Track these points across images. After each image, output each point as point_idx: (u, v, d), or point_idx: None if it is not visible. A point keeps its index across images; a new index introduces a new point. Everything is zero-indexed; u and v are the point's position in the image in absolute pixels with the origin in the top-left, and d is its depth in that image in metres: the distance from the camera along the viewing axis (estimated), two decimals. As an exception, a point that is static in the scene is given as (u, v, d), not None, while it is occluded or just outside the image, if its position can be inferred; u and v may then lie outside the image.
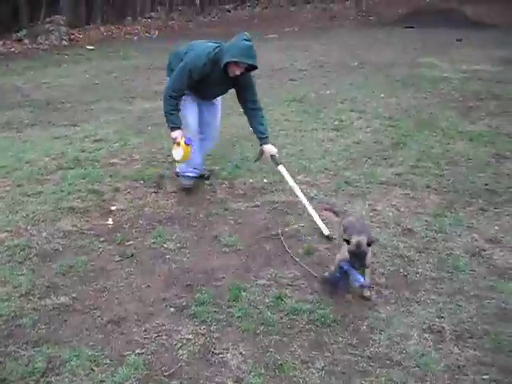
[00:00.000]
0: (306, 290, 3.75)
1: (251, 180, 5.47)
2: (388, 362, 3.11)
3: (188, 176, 5.30)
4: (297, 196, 4.74)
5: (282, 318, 3.47)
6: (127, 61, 13.88)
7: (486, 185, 5.42)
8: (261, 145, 5.05)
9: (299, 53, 13.80)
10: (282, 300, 3.62)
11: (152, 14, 26.45)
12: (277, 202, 5.01)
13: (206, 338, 3.30)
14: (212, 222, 4.71)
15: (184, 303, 3.62)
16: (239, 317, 3.47)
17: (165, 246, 4.34)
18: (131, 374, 3.01)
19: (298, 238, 4.43)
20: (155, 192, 5.30)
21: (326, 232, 4.45)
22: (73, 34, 19.53)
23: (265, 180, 5.47)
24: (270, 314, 3.49)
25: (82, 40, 19.12)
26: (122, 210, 4.96)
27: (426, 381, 2.98)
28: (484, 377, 3.01)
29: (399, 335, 3.31)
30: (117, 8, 25.58)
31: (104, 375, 3.01)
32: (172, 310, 3.57)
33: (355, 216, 4.25)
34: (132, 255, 4.22)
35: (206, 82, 4.90)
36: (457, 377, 3.01)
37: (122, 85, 10.99)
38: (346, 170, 5.65)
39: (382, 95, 8.82)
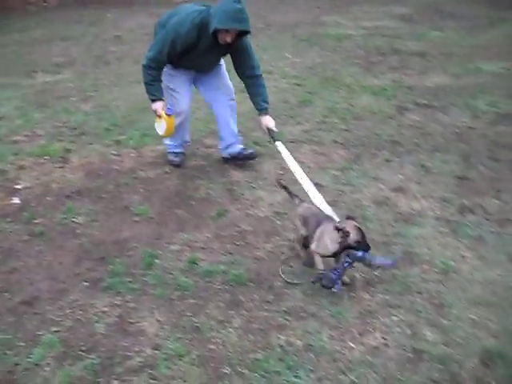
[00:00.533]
0: (219, 252, 3.77)
1: (159, 147, 5.39)
2: (303, 314, 3.19)
3: (175, 152, 5.10)
4: (298, 178, 4.10)
5: (196, 281, 3.48)
6: (25, 33, 13.20)
7: (390, 136, 5.60)
8: (258, 115, 4.69)
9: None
10: (195, 263, 3.63)
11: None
12: (186, 167, 4.98)
13: (121, 309, 3.27)
14: (122, 192, 4.63)
15: (97, 276, 3.56)
16: (154, 284, 3.46)
17: (75, 220, 4.24)
18: (47, 353, 2.95)
19: (209, 201, 4.43)
20: (61, 167, 5.14)
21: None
22: (-37, 8, 18.40)
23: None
24: (184, 278, 3.50)
25: (-27, 13, 18.07)
26: (28, 188, 4.78)
27: (340, 328, 3.08)
28: (393, 318, 3.15)
29: (313, 287, 3.39)
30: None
31: (18, 358, 2.93)
32: (86, 284, 3.50)
33: (309, 202, 3.80)
34: (41, 233, 4.09)
35: (195, 52, 4.44)
36: (368, 321, 3.13)
37: (21, 58, 10.48)
38: (255, 130, 5.66)
39: (288, 55, 8.87)
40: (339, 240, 3.26)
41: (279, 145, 4.42)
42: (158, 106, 4.55)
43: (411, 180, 4.71)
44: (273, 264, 3.63)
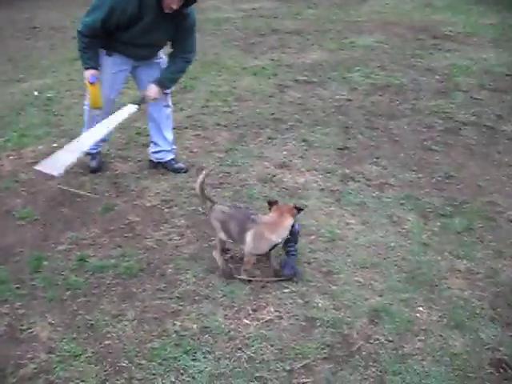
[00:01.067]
0: (108, 247, 3.72)
1: (40, 146, 5.21)
2: (197, 297, 3.22)
3: (90, 154, 4.66)
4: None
5: (87, 278, 3.42)
6: None
7: (272, 114, 5.72)
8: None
9: (79, 8, 13.13)
10: (85, 261, 3.57)
11: None
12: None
13: (10, 317, 3.15)
14: (3, 197, 4.42)
15: (-18, 286, 3.42)
16: (43, 287, 3.36)
17: (-48, 231, 4.03)
18: None
19: (95, 197, 4.35)
20: None
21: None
22: None
23: (54, 145, 5.22)
24: (74, 277, 3.43)
25: None
26: None
27: (234, 307, 3.14)
28: (285, 291, 3.26)
29: (204, 271, 3.43)
30: None
31: None
32: (-30, 295, 3.36)
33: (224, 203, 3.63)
34: None
35: (139, 27, 3.96)
36: (261, 296, 3.22)
37: None
38: (137, 121, 5.59)
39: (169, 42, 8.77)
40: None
41: (129, 107, 4.19)
42: (87, 74, 4.11)
43: (295, 155, 4.84)
44: (163, 252, 3.63)
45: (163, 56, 4.45)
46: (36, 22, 11.84)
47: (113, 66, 4.25)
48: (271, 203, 3.39)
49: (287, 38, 8.68)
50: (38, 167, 4.05)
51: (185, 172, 4.64)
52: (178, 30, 4.10)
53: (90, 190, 4.41)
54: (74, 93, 6.67)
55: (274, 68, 7.16)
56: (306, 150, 4.93)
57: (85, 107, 4.52)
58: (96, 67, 4.15)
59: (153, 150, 4.71)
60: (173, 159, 4.71)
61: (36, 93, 6.73)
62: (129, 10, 3.87)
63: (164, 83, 4.27)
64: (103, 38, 4.07)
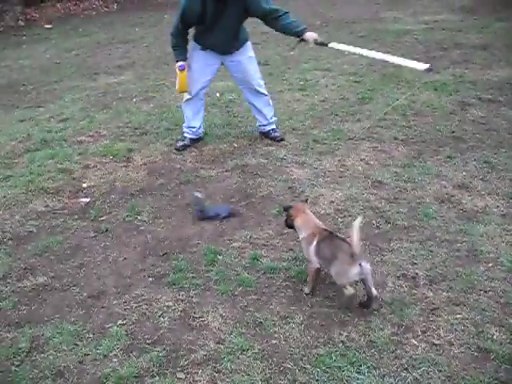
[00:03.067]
0: (281, 249, 3.80)
1: (221, 146, 5.47)
2: (365, 310, 3.18)
3: (183, 136, 5.57)
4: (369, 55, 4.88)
5: (259, 277, 3.52)
6: (87, 37, 13.59)
7: (453, 132, 5.50)
8: (300, 36, 4.85)
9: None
10: (257, 260, 3.67)
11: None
12: (247, 166, 5.02)
13: (185, 304, 3.34)
14: (184, 190, 4.72)
15: (162, 272, 3.65)
16: (217, 280, 3.52)
17: (138, 218, 4.35)
18: (114, 345, 3.05)
19: (271, 198, 4.46)
20: (125, 166, 5.28)
21: (423, 66, 4.32)
22: (28, 14, 19.02)
23: (234, 144, 5.47)
24: (247, 274, 3.54)
25: (39, 19, 18.62)
26: (93, 187, 4.94)
27: (402, 325, 3.06)
28: (457, 316, 3.11)
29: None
30: (72, -16, 24.93)
31: (88, 348, 3.04)
32: (150, 279, 3.60)
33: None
34: (107, 230, 4.22)
35: (208, 19, 4.78)
36: (431, 319, 3.10)
37: (84, 62, 10.80)
38: (314, 128, 5.67)
39: (346, 52, 8.79)
40: None
41: (334, 44, 4.76)
42: (177, 64, 5.04)
43: (475, 177, 4.61)
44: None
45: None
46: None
47: (202, 59, 5.17)
48: (286, 209, 3.55)
49: (471, 52, 8.31)
50: None
51: (280, 140, 5.44)
52: (247, 3, 4.71)
53: (266, 192, 4.55)
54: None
55: (455, 84, 6.89)
56: (488, 172, 4.68)
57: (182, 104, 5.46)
58: (184, 59, 5.05)
59: (258, 124, 5.58)
60: (273, 129, 5.54)
61: (218, 94, 7.07)
62: (194, 8, 4.69)
63: (304, 26, 4.89)
64: (186, 36, 5.02)
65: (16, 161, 5.69)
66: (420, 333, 3.01)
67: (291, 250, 3.78)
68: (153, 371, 2.86)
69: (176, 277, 3.56)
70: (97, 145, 5.85)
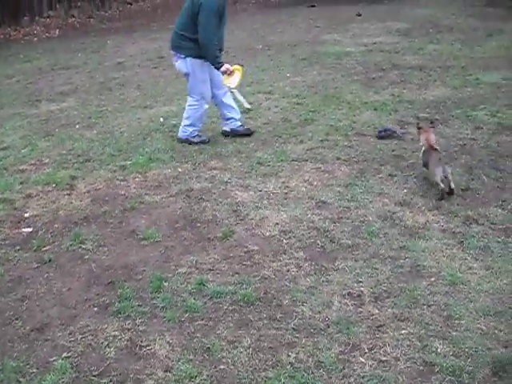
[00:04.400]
0: (227, 273, 3.80)
1: (165, 171, 5.45)
2: (312, 331, 3.21)
3: (198, 135, 6.10)
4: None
5: (205, 302, 3.51)
6: (29, 63, 13.35)
7: (393, 151, 5.64)
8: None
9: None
10: (204, 285, 3.66)
11: (50, 12, 25.49)
12: (192, 190, 5.01)
13: (132, 333, 3.29)
14: (128, 216, 4.67)
15: (107, 301, 3.59)
16: (163, 307, 3.48)
17: (83, 246, 4.27)
18: (59, 379, 2.97)
19: (216, 222, 4.46)
20: (68, 194, 5.18)
21: (247, 105, 5.40)
22: (-36, 40, 18.64)
23: (179, 169, 5.45)
24: (193, 300, 3.52)
25: (-23, 46, 18.29)
26: (35, 216, 4.83)
27: (349, 344, 3.09)
28: (402, 332, 3.17)
29: (321, 304, 3.41)
30: (11, 8, 24.54)
31: (31, 384, 2.96)
32: (95, 309, 3.53)
33: None
34: (50, 260, 4.13)
35: (224, 15, 5.62)
36: (378, 336, 3.15)
37: (26, 88, 10.60)
38: (258, 150, 5.71)
39: (288, 74, 8.93)
40: None
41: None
42: (227, 65, 5.66)
43: (416, 194, 4.73)
44: (280, 282, 3.65)
45: None
46: (163, 52, 12.48)
47: (207, 68, 5.81)
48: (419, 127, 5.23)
49: (409, 73, 8.56)
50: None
51: (247, 135, 6.16)
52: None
53: (211, 216, 4.55)
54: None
55: (394, 104, 7.08)
56: (428, 188, 4.81)
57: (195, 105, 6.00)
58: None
59: (224, 121, 6.23)
60: (241, 125, 6.22)
61: (162, 119, 7.06)
62: (221, 4, 5.51)
63: None
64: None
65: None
66: (367, 350, 3.05)
67: (237, 273, 3.78)
68: (100, 404, 2.81)
69: (122, 305, 3.51)
70: (39, 173, 5.74)
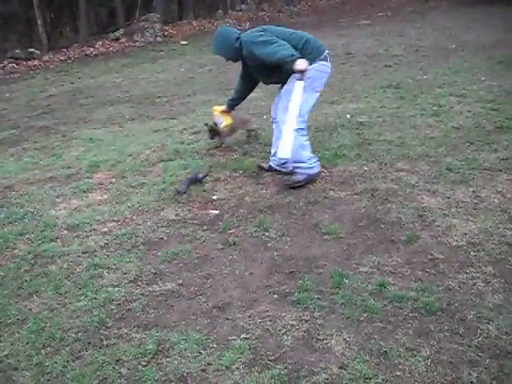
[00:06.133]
0: (409, 278, 3.69)
1: (350, 168, 5.43)
2: (498, 352, 3.00)
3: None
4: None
5: (385, 305, 3.44)
6: (220, 54, 14.08)
7: None
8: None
9: (393, 38, 13.49)
10: (384, 287, 3.59)
11: (242, 6, 26.69)
12: (377, 190, 4.94)
13: (309, 324, 3.32)
14: (312, 210, 4.72)
15: (287, 290, 3.66)
16: (342, 303, 3.48)
17: (266, 234, 4.40)
18: (237, 358, 3.09)
19: (400, 225, 4.36)
20: (254, 182, 5.37)
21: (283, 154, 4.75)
22: (166, 31, 20.07)
23: (365, 168, 5.41)
24: (373, 301, 3.47)
25: (176, 35, 19.60)
26: (223, 200, 5.07)
27: (537, 372, 2.87)
28: None
29: (509, 325, 3.19)
30: (208, 2, 26.02)
31: (211, 358, 3.10)
32: (275, 296, 3.62)
33: None
34: (234, 243, 4.31)
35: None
36: None
37: (217, 77, 11.19)
38: (447, 156, 5.49)
39: (483, 78, 8.47)
40: None
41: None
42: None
43: None
44: (465, 296, 3.47)
45: None
46: (352, 47, 12.46)
47: None
48: None
49: None
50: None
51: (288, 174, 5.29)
52: None
53: (395, 218, 4.47)
54: (386, 119, 6.83)
55: None
56: None
57: None
58: None
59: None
60: (269, 165, 5.53)
61: (349, 116, 7.04)
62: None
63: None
64: None
65: (150, 169, 5.98)
66: None
67: (420, 280, 3.66)
68: (274, 388, 2.87)
69: (301, 296, 3.56)
70: (227, 159, 6.01)
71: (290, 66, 4.72)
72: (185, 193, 5.21)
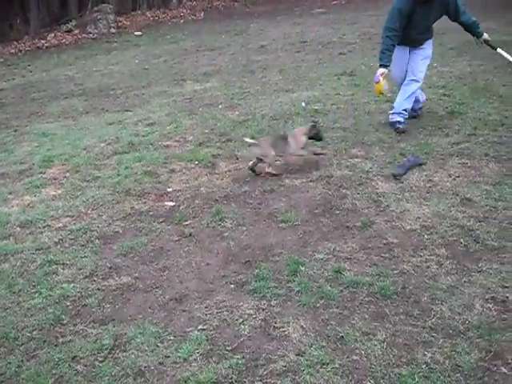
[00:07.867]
0: (364, 263, 3.73)
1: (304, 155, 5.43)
2: (451, 332, 3.07)
3: (396, 121, 5.94)
4: None
5: (341, 291, 3.47)
6: (175, 44, 13.95)
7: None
8: (478, 38, 6.02)
9: (348, 26, 13.56)
10: (340, 273, 3.62)
11: (197, -5, 26.40)
12: (332, 177, 4.97)
13: (266, 313, 3.33)
14: (268, 198, 4.73)
15: (243, 279, 3.66)
16: (299, 291, 3.49)
17: (222, 224, 4.39)
18: (195, 349, 3.08)
19: (356, 211, 4.39)
20: (210, 172, 5.35)
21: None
22: (120, 22, 19.73)
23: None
24: (329, 287, 3.50)
25: (130, 27, 19.30)
26: (178, 191, 5.04)
27: (491, 351, 2.92)
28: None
29: (461, 305, 3.25)
30: (163, -8, 25.66)
31: (168, 351, 3.09)
32: (232, 286, 3.62)
33: None
34: (190, 234, 4.29)
35: (415, 17, 5.59)
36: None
37: (172, 68, 11.08)
38: (401, 141, 5.56)
39: (435, 64, 8.56)
40: None
41: (500, 50, 6.02)
42: (378, 72, 5.63)
43: None
44: (419, 279, 3.52)
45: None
46: (306, 36, 12.48)
47: (400, 55, 5.86)
48: None
49: None
50: None
51: (400, 132, 5.85)
52: (449, 15, 5.82)
53: (350, 205, 4.50)
54: (340, 107, 6.87)
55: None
56: None
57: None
58: (387, 66, 5.65)
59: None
60: (390, 119, 6.04)
61: (303, 104, 7.06)
62: (409, 5, 5.51)
63: (480, 31, 6.02)
64: (398, 38, 5.66)
65: (104, 162, 5.91)
66: (511, 361, 2.86)
67: (375, 264, 3.70)
68: (231, 378, 2.87)
69: (258, 285, 3.56)
70: (182, 150, 5.97)
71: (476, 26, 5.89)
72: (403, 175, 4.88)
